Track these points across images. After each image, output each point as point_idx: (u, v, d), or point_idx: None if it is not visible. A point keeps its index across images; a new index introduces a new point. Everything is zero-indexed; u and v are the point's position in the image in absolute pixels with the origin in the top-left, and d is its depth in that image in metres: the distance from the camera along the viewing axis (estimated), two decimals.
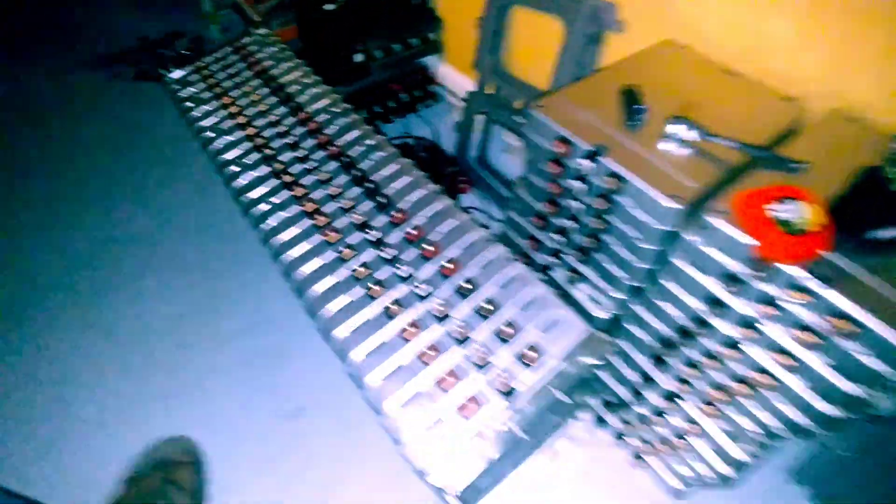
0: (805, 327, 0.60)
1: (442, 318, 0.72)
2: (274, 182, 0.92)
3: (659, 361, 0.83)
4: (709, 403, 0.78)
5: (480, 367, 0.68)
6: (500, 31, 1.32)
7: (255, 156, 0.97)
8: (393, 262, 0.78)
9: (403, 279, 0.77)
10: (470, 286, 0.73)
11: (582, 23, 1.07)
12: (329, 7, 1.37)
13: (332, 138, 0.97)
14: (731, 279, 0.65)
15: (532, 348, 0.68)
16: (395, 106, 1.59)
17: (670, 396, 0.84)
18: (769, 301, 0.62)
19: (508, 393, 0.65)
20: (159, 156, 1.63)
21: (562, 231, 0.88)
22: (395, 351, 0.70)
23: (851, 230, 0.59)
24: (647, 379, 0.87)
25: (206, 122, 1.05)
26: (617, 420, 0.99)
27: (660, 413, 0.87)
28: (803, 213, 0.58)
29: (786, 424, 0.70)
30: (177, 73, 1.17)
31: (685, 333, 0.76)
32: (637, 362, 0.87)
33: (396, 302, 0.73)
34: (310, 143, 0.98)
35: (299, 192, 0.90)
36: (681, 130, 0.74)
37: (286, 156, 0.96)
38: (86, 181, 1.56)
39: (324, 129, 1.00)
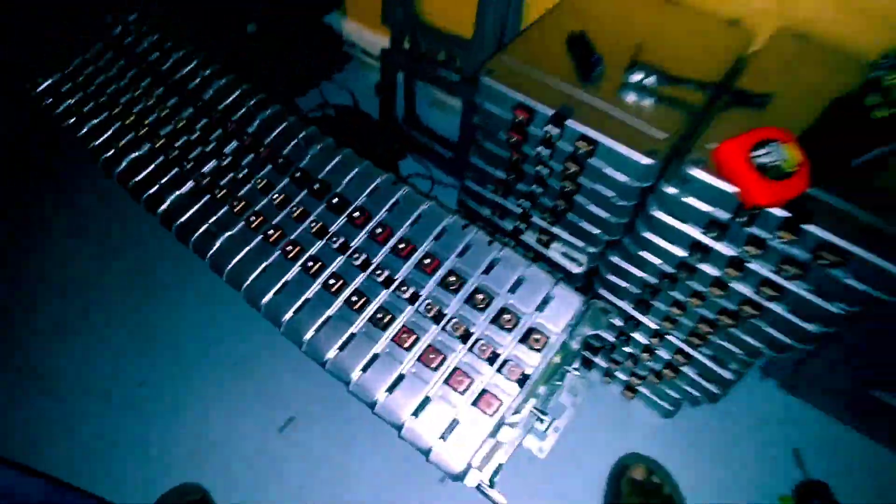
0: (790, 262, 0.63)
1: (438, 318, 0.68)
2: (203, 197, 0.82)
3: (642, 305, 0.85)
4: (695, 335, 0.82)
5: (489, 360, 0.66)
6: None
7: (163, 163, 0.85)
8: (364, 265, 0.73)
9: (380, 283, 0.71)
10: (454, 278, 0.70)
11: None
12: None
13: (246, 129, 0.86)
14: (714, 226, 0.66)
15: (533, 330, 0.67)
16: (304, 75, 1.45)
17: (657, 334, 0.87)
18: (754, 242, 0.64)
19: (522, 380, 0.64)
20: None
21: (528, 195, 0.86)
22: (397, 361, 0.66)
23: (829, 162, 0.60)
24: (632, 321, 0.89)
25: (98, 141, 0.90)
26: (604, 360, 1.03)
27: (647, 349, 0.91)
28: (782, 155, 0.59)
29: (768, 345, 0.75)
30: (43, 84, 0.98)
31: (668, 278, 0.77)
32: (621, 307, 0.89)
33: (382, 309, 0.69)
34: (234, 147, 0.86)
35: (223, 194, 0.81)
36: (640, 78, 0.72)
37: (203, 160, 0.85)
38: None
39: (232, 118, 0.88)
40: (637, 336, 0.91)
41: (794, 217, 0.59)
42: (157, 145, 0.88)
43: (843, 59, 0.76)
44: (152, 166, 0.87)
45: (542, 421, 0.66)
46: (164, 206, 0.83)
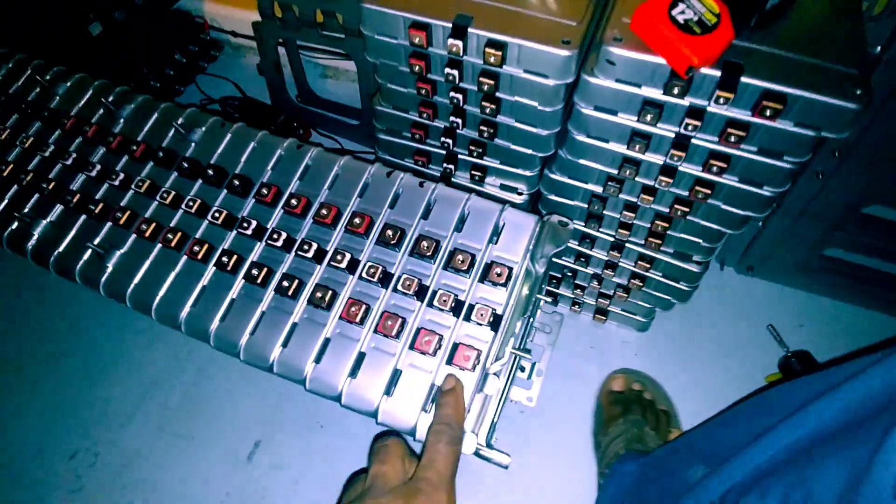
0: (733, 125, 0.59)
1: (385, 281, 0.60)
2: (79, 218, 0.69)
3: (593, 218, 0.81)
4: (653, 235, 0.78)
5: (453, 310, 0.58)
6: None
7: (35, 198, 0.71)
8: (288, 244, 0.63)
9: (309, 256, 0.62)
10: (391, 232, 0.61)
11: None
12: None
13: (127, 135, 0.73)
14: (648, 107, 0.61)
15: (492, 265, 0.60)
16: (174, 73, 1.29)
17: (615, 246, 0.83)
18: (693, 114, 0.60)
19: (495, 322, 0.57)
20: None
21: (449, 132, 0.78)
22: (351, 339, 0.58)
23: (744, 5, 0.56)
24: (587, 239, 0.85)
25: None
26: (568, 290, 0.99)
27: (609, 265, 0.87)
28: (700, 8, 0.54)
29: (727, 223, 0.72)
30: None
31: (614, 181, 0.72)
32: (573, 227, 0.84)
33: (321, 287, 0.60)
34: (101, 153, 0.73)
35: (100, 209, 0.68)
36: None
37: (66, 177, 0.71)
38: None
39: (91, 121, 0.75)
40: (595, 253, 0.87)
41: (728, 73, 0.55)
42: (6, 173, 0.73)
43: None
44: (5, 200, 0.72)
45: (525, 362, 0.59)
46: (31, 242, 0.69)
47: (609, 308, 0.99)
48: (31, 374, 1.02)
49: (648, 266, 0.83)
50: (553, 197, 0.80)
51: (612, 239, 0.83)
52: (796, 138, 0.59)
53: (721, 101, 0.56)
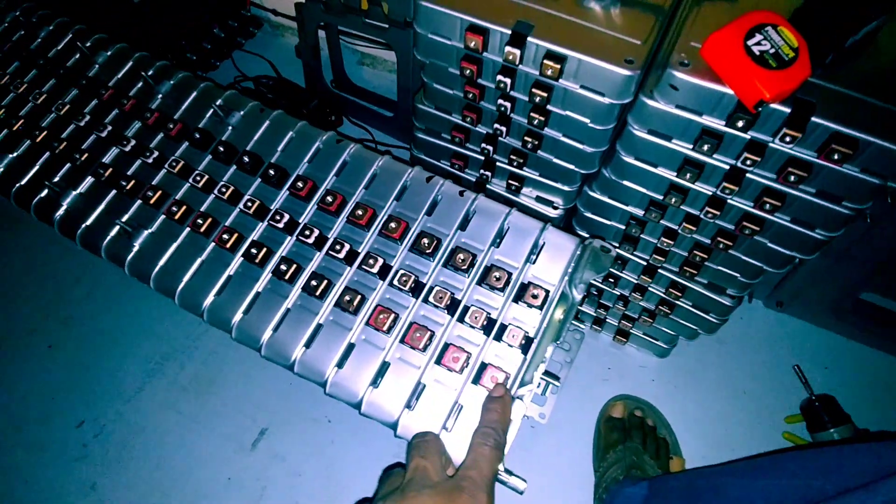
0: (795, 164, 0.56)
1: (416, 291, 0.58)
2: (109, 192, 0.67)
3: (629, 240, 0.78)
4: (689, 264, 0.76)
5: (485, 328, 0.56)
6: None
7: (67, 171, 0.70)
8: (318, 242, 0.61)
9: (341, 256, 0.60)
10: (427, 240, 0.59)
11: None
12: None
13: (164, 112, 0.72)
14: (707, 137, 0.58)
15: (529, 285, 0.57)
16: (211, 47, 1.27)
17: (647, 270, 0.81)
18: (753, 149, 0.57)
19: (526, 345, 0.55)
20: None
21: (490, 138, 0.76)
22: (376, 347, 0.56)
23: (824, 42, 0.53)
24: (619, 260, 0.83)
25: None
26: (591, 308, 0.96)
27: (638, 288, 0.85)
28: (778, 40, 0.51)
29: (769, 262, 0.70)
30: None
31: (657, 206, 0.70)
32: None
33: (349, 290, 0.58)
34: (137, 128, 0.71)
35: (132, 186, 0.66)
36: None
37: (100, 149, 0.70)
38: None
39: (129, 94, 0.73)
40: (626, 275, 0.84)
41: (798, 111, 0.53)
42: (39, 139, 0.72)
43: None
44: (37, 166, 0.71)
45: (547, 385, 0.58)
46: (60, 212, 0.68)
47: (631, 330, 0.97)
48: (45, 339, 1.02)
49: (679, 294, 0.81)
50: (590, 215, 0.78)
51: (645, 263, 0.81)
52: (860, 184, 0.56)
53: (787, 139, 0.53)
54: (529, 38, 0.59)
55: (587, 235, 0.59)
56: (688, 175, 0.62)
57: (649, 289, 0.84)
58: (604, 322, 0.99)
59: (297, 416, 0.94)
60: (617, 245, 0.79)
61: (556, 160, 0.73)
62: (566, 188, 0.77)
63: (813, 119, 0.52)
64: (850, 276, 0.90)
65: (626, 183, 0.69)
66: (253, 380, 0.96)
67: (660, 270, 0.80)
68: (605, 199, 0.74)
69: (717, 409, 0.94)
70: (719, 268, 0.74)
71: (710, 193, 0.64)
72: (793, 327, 1.02)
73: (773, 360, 0.98)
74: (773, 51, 0.51)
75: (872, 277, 0.89)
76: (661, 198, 0.68)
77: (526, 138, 0.71)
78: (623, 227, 0.76)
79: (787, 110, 0.53)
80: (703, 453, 0.89)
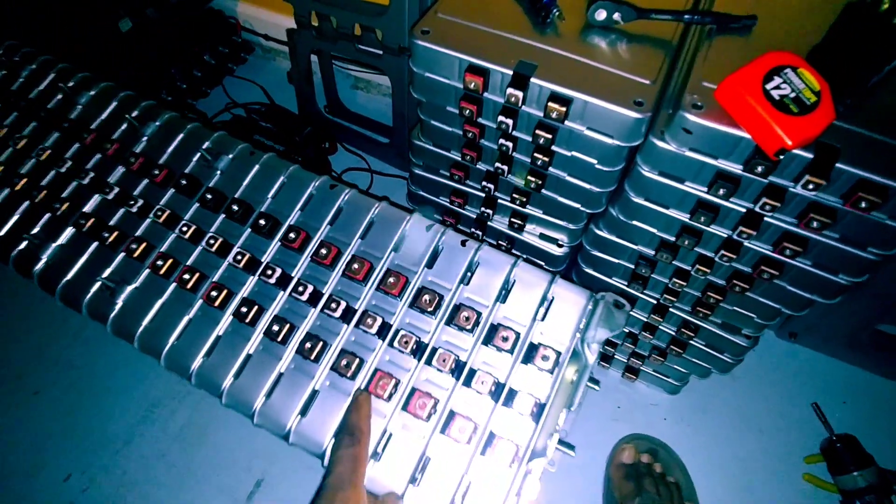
0: (817, 210, 0.53)
1: (418, 352, 0.54)
2: (91, 244, 0.64)
3: (638, 279, 0.75)
4: (702, 305, 0.72)
5: (493, 394, 0.52)
6: None
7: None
8: (314, 300, 0.58)
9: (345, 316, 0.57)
10: (429, 297, 0.55)
11: None
12: None
13: (150, 156, 0.68)
14: (722, 180, 0.55)
15: (538, 346, 0.54)
16: (202, 74, 1.24)
17: (657, 309, 0.77)
18: (772, 194, 0.54)
19: (538, 413, 0.51)
20: None
21: (491, 176, 0.72)
22: (377, 416, 0.52)
23: (845, 83, 0.50)
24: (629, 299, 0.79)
25: None
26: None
27: (648, 327, 0.81)
28: (799, 83, 0.48)
29: (790, 304, 0.66)
30: None
31: (668, 247, 0.67)
32: (614, 284, 0.78)
33: (347, 353, 0.54)
34: (120, 174, 0.68)
35: (115, 237, 0.63)
36: (605, 15, 0.59)
37: (82, 197, 0.66)
38: None
39: (112, 138, 0.70)
40: (635, 314, 0.81)
41: (822, 157, 0.49)
42: (18, 187, 0.68)
43: None
44: (16, 216, 0.67)
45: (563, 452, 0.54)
46: (39, 266, 0.64)
47: (641, 368, 0.93)
48: (33, 383, 0.98)
49: (692, 334, 0.77)
50: (596, 253, 0.75)
51: (655, 302, 0.77)
52: (887, 231, 0.53)
53: (811, 186, 0.50)
54: (532, 79, 0.56)
55: (598, 290, 0.55)
56: (702, 218, 0.59)
57: (660, 328, 0.80)
58: (612, 359, 0.95)
59: (293, 464, 0.89)
60: (618, 279, 0.76)
61: (560, 198, 0.69)
62: (571, 226, 0.73)
63: (837, 165, 0.49)
64: (867, 307, 0.87)
65: (634, 223, 0.66)
66: (247, 425, 0.92)
67: (671, 310, 0.77)
68: (613, 237, 0.71)
69: (734, 449, 0.90)
70: (735, 308, 0.71)
71: (726, 236, 0.61)
72: (807, 358, 0.98)
73: (788, 395, 0.94)
74: (793, 95, 0.48)
75: (890, 309, 0.85)
76: (672, 239, 0.65)
77: (529, 178, 0.68)
78: (632, 266, 0.73)
79: (810, 156, 0.49)
80: (719, 496, 0.85)
